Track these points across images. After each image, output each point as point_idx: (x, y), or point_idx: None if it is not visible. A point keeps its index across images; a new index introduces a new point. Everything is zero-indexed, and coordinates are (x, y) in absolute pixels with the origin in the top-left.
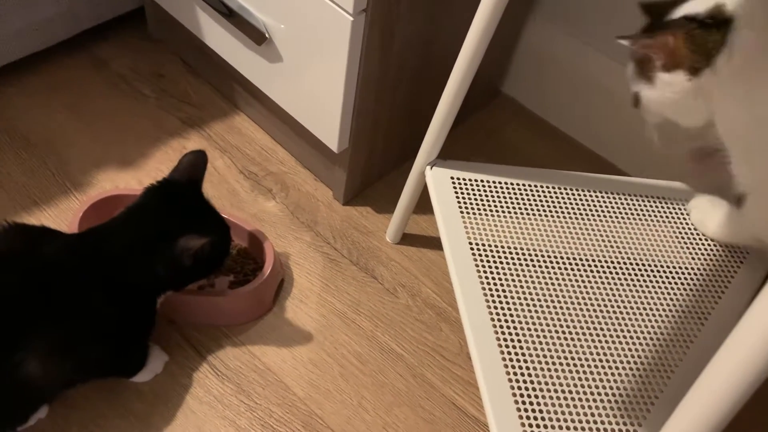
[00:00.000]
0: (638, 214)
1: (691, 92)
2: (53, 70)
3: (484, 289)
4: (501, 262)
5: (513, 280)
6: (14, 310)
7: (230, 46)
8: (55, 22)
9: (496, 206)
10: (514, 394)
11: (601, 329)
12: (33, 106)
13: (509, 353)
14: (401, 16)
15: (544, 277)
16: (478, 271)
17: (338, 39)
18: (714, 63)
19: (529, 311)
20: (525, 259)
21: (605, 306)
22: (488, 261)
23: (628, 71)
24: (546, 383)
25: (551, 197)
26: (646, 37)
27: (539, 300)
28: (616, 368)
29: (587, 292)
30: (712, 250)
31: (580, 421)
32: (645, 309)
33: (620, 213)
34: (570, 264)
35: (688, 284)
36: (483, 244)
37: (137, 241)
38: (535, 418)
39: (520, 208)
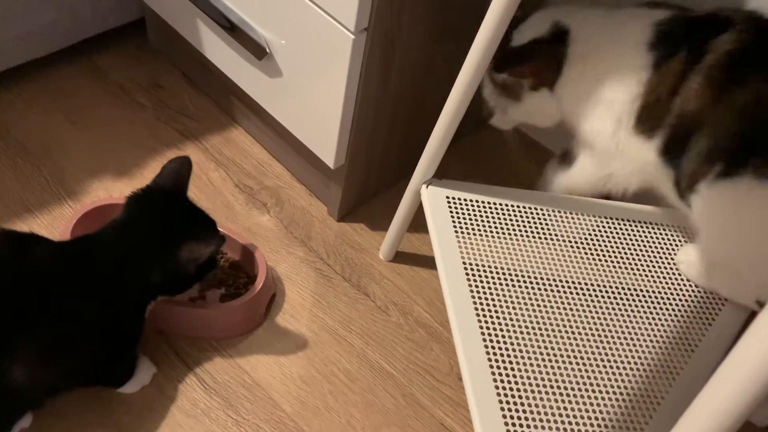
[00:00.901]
0: (632, 240)
1: (552, 101)
2: (52, 77)
3: (476, 310)
4: (494, 284)
5: (506, 302)
6: (2, 317)
7: (230, 60)
8: (56, 29)
9: (491, 227)
10: (504, 416)
11: (592, 354)
12: (30, 112)
13: (500, 375)
14: (402, 35)
15: (536, 301)
16: (472, 292)
17: (339, 56)
18: (564, 72)
19: (521, 334)
20: (518, 282)
21: (596, 331)
22: (482, 282)
23: (487, 93)
24: (536, 407)
25: (546, 220)
26: (518, 67)
27: (531, 323)
28: (606, 395)
29: (579, 317)
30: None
31: None
32: (635, 336)
33: (614, 238)
34: (563, 288)
35: (678, 312)
36: (477, 265)
37: (130, 249)
38: None
39: (514, 230)
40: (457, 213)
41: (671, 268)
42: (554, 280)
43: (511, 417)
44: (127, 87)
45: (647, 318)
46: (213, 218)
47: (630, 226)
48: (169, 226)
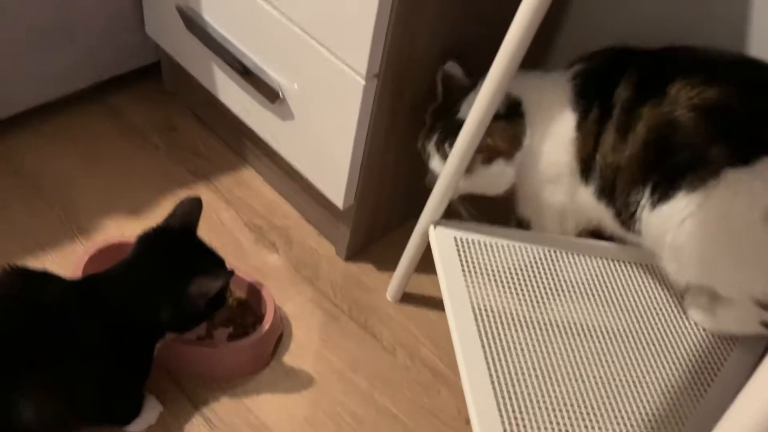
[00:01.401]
0: (639, 283)
1: (508, 170)
2: (69, 117)
3: (485, 353)
4: (503, 326)
5: (514, 345)
6: (11, 352)
7: (243, 103)
8: (75, 71)
9: (499, 269)
10: None
11: (601, 399)
12: (46, 150)
13: (509, 419)
14: (411, 81)
15: (545, 344)
16: (480, 335)
17: (350, 101)
18: (522, 143)
19: (530, 378)
20: (527, 325)
21: (605, 376)
22: (490, 325)
23: (433, 164)
24: None
25: (554, 262)
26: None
27: (540, 367)
28: None
29: (588, 361)
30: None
31: None
32: (643, 381)
33: (622, 281)
34: (571, 331)
35: (687, 357)
36: (485, 307)
37: (140, 286)
38: None
39: (522, 272)
40: (465, 254)
41: (680, 312)
42: (563, 323)
43: None
44: (141, 128)
45: (656, 363)
46: (222, 257)
47: (638, 269)
48: (178, 263)
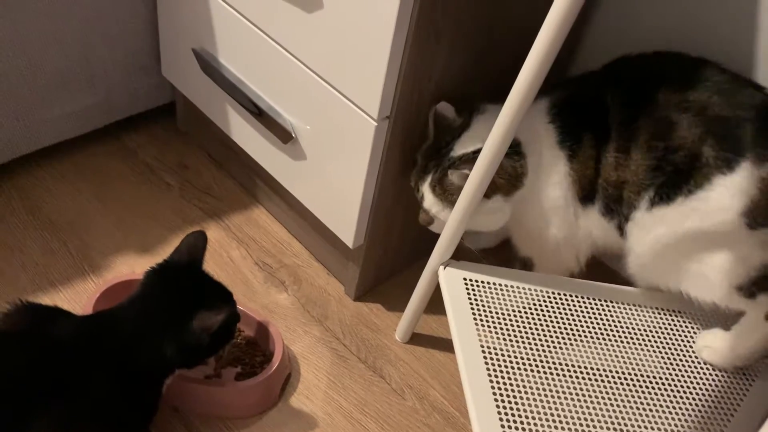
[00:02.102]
0: (650, 326)
1: (506, 207)
2: (83, 155)
3: (495, 396)
4: (513, 369)
5: (525, 389)
6: (21, 388)
7: (256, 143)
8: (91, 111)
9: (508, 311)
10: None
11: None
12: (61, 188)
13: None
14: (421, 123)
15: (556, 388)
16: (490, 378)
17: (362, 142)
18: (524, 183)
19: (540, 422)
20: (537, 368)
21: (617, 420)
22: (500, 367)
23: (427, 203)
24: None
25: (564, 304)
26: None
27: (551, 411)
28: None
29: (600, 405)
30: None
31: None
32: (657, 425)
33: (632, 324)
34: (583, 375)
35: (701, 399)
36: (495, 349)
37: (146, 323)
38: None
39: (533, 314)
40: (474, 295)
41: (692, 355)
42: (573, 367)
43: None
44: (154, 167)
45: (669, 406)
46: (230, 290)
47: (649, 312)
48: (182, 298)
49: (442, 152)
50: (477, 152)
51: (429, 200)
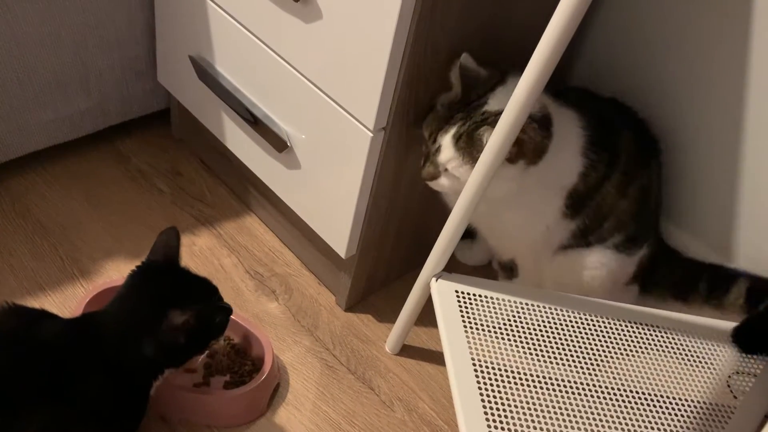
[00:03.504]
0: (642, 342)
1: (517, 179)
2: (76, 160)
3: (485, 410)
4: (504, 383)
5: (515, 402)
6: (7, 391)
7: (251, 151)
8: (85, 115)
9: (500, 324)
10: None
11: None
12: (52, 193)
13: None
14: (417, 134)
15: (546, 402)
16: (480, 392)
17: (357, 152)
18: (542, 157)
19: None
20: (528, 382)
21: None
22: (491, 381)
23: (445, 156)
24: None
25: (556, 319)
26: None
27: (541, 425)
28: None
29: (589, 420)
30: (712, 382)
31: None
32: None
33: (623, 340)
34: (573, 389)
35: (691, 416)
36: (486, 363)
37: (126, 324)
38: None
39: (524, 328)
40: (466, 307)
41: (683, 369)
42: (564, 381)
43: None
44: (147, 173)
45: (658, 422)
46: (214, 285)
47: (640, 329)
48: (156, 297)
49: (473, 104)
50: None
51: (448, 153)
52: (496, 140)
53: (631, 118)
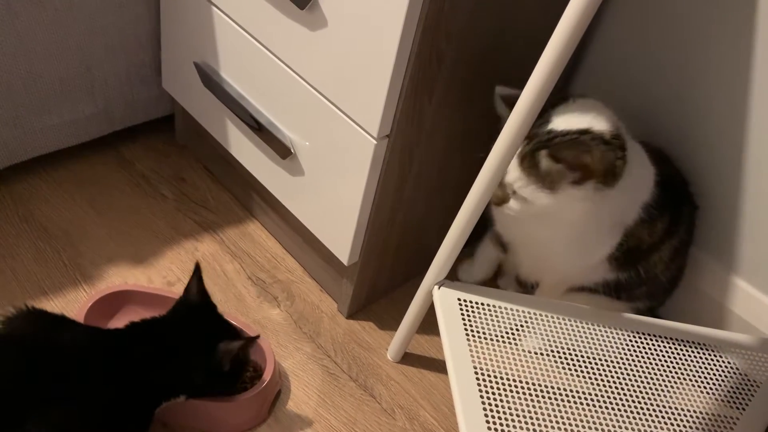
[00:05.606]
0: (644, 352)
1: (588, 198)
2: (80, 165)
3: (487, 418)
4: (506, 393)
5: (518, 413)
6: (20, 392)
7: (254, 158)
8: (89, 121)
9: (503, 333)
10: None
11: None
12: (56, 197)
13: None
14: (421, 142)
15: (549, 412)
16: (482, 401)
17: (360, 160)
18: (617, 178)
19: None
20: (531, 392)
21: None
22: (493, 390)
23: (511, 177)
24: None
25: (559, 328)
26: (573, 158)
27: None
28: None
29: (592, 430)
30: (714, 394)
31: None
32: None
33: (627, 350)
34: (576, 399)
35: (689, 428)
36: (488, 372)
37: (170, 350)
38: None
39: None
40: (468, 316)
41: (688, 379)
42: (567, 391)
43: None
44: (150, 178)
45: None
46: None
47: (643, 338)
48: (208, 329)
49: (536, 122)
50: (584, 132)
51: (514, 173)
52: (500, 147)
53: (689, 195)
